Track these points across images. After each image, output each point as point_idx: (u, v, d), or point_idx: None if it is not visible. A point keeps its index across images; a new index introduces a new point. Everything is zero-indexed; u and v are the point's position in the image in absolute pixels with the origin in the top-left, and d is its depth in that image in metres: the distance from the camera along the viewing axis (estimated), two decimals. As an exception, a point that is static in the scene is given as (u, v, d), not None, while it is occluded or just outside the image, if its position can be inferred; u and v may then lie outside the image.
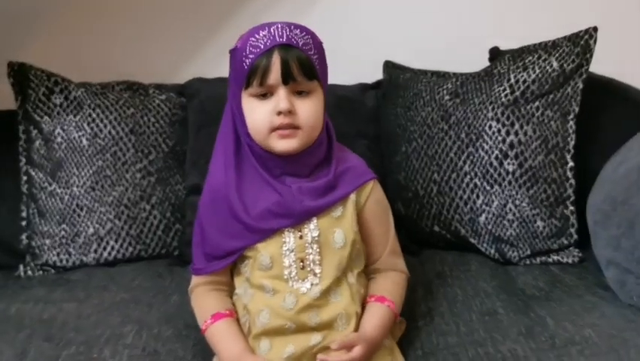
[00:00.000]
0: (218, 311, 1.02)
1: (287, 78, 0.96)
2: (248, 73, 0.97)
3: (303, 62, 0.97)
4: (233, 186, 1.02)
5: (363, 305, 1.03)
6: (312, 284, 0.99)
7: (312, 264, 0.99)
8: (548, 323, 1.05)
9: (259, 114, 0.98)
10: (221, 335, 1.00)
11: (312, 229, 1.00)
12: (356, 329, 0.99)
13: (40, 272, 1.42)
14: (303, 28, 0.99)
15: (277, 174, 1.01)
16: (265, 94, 0.98)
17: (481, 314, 1.11)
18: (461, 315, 1.11)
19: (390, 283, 1.06)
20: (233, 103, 1.03)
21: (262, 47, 0.96)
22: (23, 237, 1.45)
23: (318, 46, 1.00)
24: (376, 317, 1.01)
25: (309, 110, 0.99)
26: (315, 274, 0.99)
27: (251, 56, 0.96)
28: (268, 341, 0.98)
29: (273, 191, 1.00)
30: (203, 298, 1.05)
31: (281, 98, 0.96)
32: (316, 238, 0.99)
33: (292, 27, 0.97)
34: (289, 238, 0.99)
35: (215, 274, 1.06)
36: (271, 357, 0.97)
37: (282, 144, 0.99)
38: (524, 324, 1.06)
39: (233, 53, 1.01)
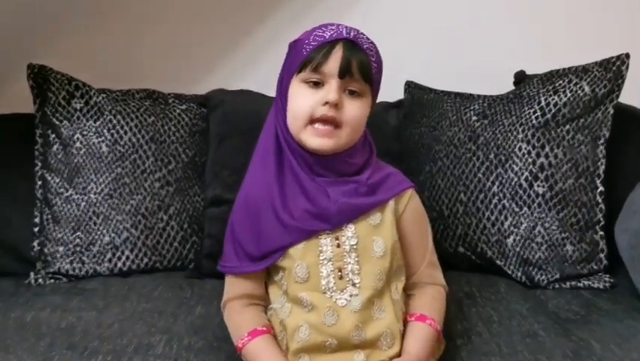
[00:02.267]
0: (255, 328, 0.98)
1: (344, 71, 0.95)
2: (306, 58, 0.96)
3: (363, 62, 0.96)
4: (271, 187, 0.99)
5: (404, 323, 1.00)
6: (351, 295, 0.95)
7: (350, 274, 0.96)
8: (594, 346, 1.03)
9: (304, 100, 0.97)
10: (259, 353, 0.96)
11: (349, 236, 0.97)
12: (400, 348, 0.96)
13: (52, 280, 1.37)
14: (369, 37, 0.99)
15: (315, 173, 0.99)
16: (317, 83, 0.96)
17: (521, 336, 1.08)
18: (501, 336, 1.09)
19: (430, 300, 1.03)
20: (279, 95, 1.01)
21: (327, 37, 0.96)
22: (35, 243, 1.40)
23: (379, 55, 1.01)
24: (419, 338, 0.98)
25: (356, 110, 0.97)
26: (354, 285, 0.96)
27: (313, 43, 0.96)
28: (308, 358, 0.94)
29: (310, 195, 0.98)
30: (238, 314, 1.01)
31: (332, 89, 0.95)
32: (354, 247, 0.97)
33: (360, 31, 0.98)
34: (326, 247, 0.96)
35: (249, 286, 1.02)
36: None
37: (316, 141, 0.97)
38: (568, 347, 1.04)
39: (294, 44, 1.01)
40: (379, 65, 1.01)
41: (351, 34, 0.97)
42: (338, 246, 0.97)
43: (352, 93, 0.97)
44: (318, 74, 0.96)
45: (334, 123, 0.96)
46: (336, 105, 0.95)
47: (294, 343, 0.95)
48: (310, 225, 0.97)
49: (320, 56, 0.95)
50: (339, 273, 0.96)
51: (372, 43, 1.00)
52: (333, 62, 0.95)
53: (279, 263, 0.98)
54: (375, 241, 0.98)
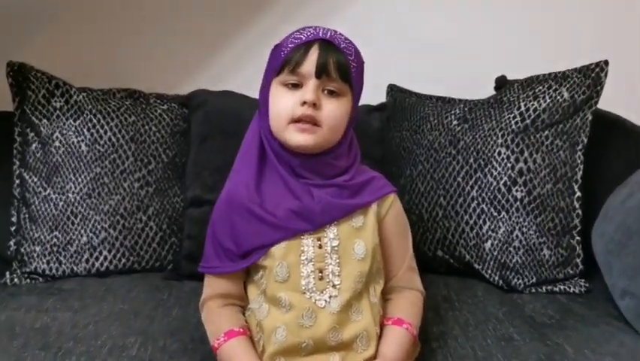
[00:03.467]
0: (232, 328, 0.98)
1: (321, 71, 0.95)
2: (283, 61, 0.96)
3: (340, 61, 0.97)
4: (253, 186, 0.99)
5: (381, 327, 1.00)
6: (330, 296, 0.95)
7: (331, 275, 0.96)
8: (567, 351, 1.04)
9: (284, 102, 0.97)
10: (234, 355, 0.96)
11: (331, 238, 0.97)
12: (376, 351, 0.96)
13: (28, 280, 1.35)
14: (347, 38, 1.00)
15: (298, 176, 0.99)
16: (295, 85, 0.97)
17: (496, 339, 1.09)
18: (476, 340, 1.09)
19: (408, 304, 1.04)
20: (261, 96, 1.02)
21: (304, 38, 0.97)
22: (11, 243, 1.39)
23: (358, 55, 1.01)
24: (395, 341, 0.98)
25: (334, 110, 0.98)
26: (334, 286, 0.96)
27: (290, 45, 0.97)
28: (284, 360, 0.94)
29: (295, 194, 0.98)
30: (216, 314, 1.01)
31: (309, 89, 0.96)
32: (336, 248, 0.97)
33: (338, 32, 0.99)
34: (308, 247, 0.97)
35: (227, 286, 1.02)
36: None
37: (298, 138, 0.97)
38: (542, 351, 1.04)
39: (274, 48, 1.01)
40: (359, 65, 1.01)
41: (328, 34, 0.98)
42: (320, 247, 0.97)
43: (331, 93, 0.98)
44: (295, 75, 0.96)
45: (313, 122, 0.96)
46: (315, 105, 0.96)
47: (270, 345, 0.94)
48: (293, 224, 0.97)
49: (297, 57, 0.96)
50: (320, 274, 0.96)
51: (350, 43, 1.00)
52: (310, 63, 0.96)
53: (260, 262, 0.98)
54: (357, 243, 0.98)
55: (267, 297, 0.97)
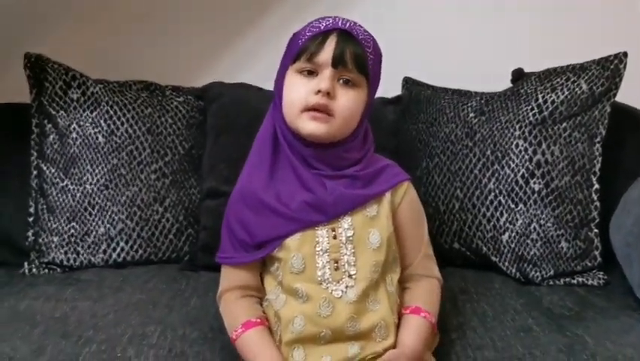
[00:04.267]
0: (249, 319, 0.98)
1: (337, 61, 0.95)
2: (300, 48, 0.96)
3: (357, 52, 0.96)
4: (266, 178, 1.00)
5: (400, 316, 1.00)
6: (347, 286, 0.95)
7: (346, 265, 0.96)
8: (588, 342, 1.04)
9: (298, 90, 0.97)
10: (252, 345, 0.96)
11: (345, 228, 0.97)
12: (394, 341, 0.96)
13: (46, 271, 1.36)
14: (366, 29, 1.00)
15: (311, 167, 0.99)
16: (311, 72, 0.97)
17: (515, 330, 1.08)
18: (495, 330, 1.09)
19: (425, 292, 1.03)
20: (276, 86, 1.02)
21: (322, 27, 0.97)
22: (29, 233, 1.40)
23: (377, 50, 1.01)
24: (414, 330, 0.98)
25: (349, 100, 0.97)
26: (350, 276, 0.96)
27: (308, 34, 0.97)
28: (302, 349, 0.94)
29: (307, 185, 0.98)
30: (233, 305, 1.01)
31: (324, 77, 0.95)
32: (350, 238, 0.97)
33: (358, 23, 0.99)
34: (322, 238, 0.97)
35: (244, 277, 1.02)
36: None
37: (311, 126, 0.96)
38: (562, 342, 1.04)
39: (293, 36, 1.01)
40: (377, 57, 1.01)
41: (347, 25, 0.98)
42: (334, 237, 0.97)
43: (347, 83, 0.97)
44: (311, 63, 0.96)
45: (327, 112, 0.96)
46: (329, 94, 0.95)
47: (288, 333, 0.95)
48: (306, 216, 0.97)
49: (314, 46, 0.96)
50: (336, 264, 0.96)
51: (369, 35, 0.99)
52: (327, 52, 0.95)
53: (274, 254, 0.98)
54: (372, 232, 0.98)
55: (283, 288, 0.97)
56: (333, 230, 0.97)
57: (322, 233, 0.97)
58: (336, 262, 0.96)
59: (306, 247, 0.96)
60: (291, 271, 0.96)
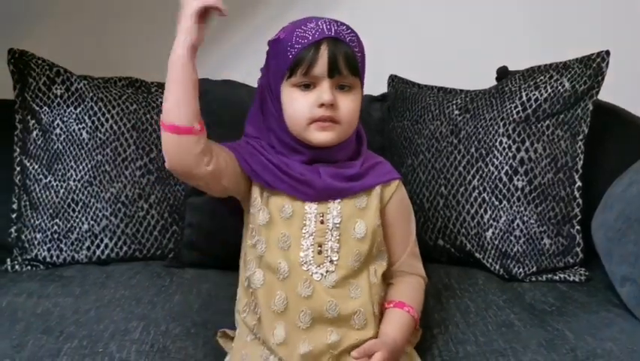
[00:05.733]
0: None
1: (333, 71, 0.96)
2: (293, 63, 0.96)
3: (349, 56, 0.97)
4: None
5: (382, 311, 1.01)
6: (327, 271, 0.97)
7: (329, 250, 0.98)
8: (568, 336, 1.05)
9: (300, 105, 0.97)
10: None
11: (334, 215, 0.98)
12: (375, 333, 0.97)
13: (29, 267, 1.35)
14: (348, 26, 0.99)
15: (306, 162, 1.00)
16: (308, 85, 0.97)
17: (497, 325, 1.09)
18: (477, 325, 1.10)
19: (409, 289, 1.04)
20: (268, 94, 1.01)
21: (310, 37, 0.96)
22: (12, 230, 1.39)
23: (361, 44, 1.01)
24: (396, 322, 0.99)
25: (350, 105, 0.99)
26: (331, 261, 0.97)
27: (297, 46, 0.96)
28: (283, 329, 0.95)
29: (303, 170, 1.00)
30: None
31: (324, 90, 0.96)
32: (337, 225, 0.98)
33: (339, 23, 0.99)
34: (310, 221, 0.98)
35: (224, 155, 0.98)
36: (285, 354, 0.94)
37: (321, 136, 0.98)
38: (543, 337, 1.05)
39: (275, 43, 1.00)
40: (363, 53, 1.01)
41: (333, 30, 0.97)
42: (322, 222, 0.98)
43: (343, 88, 0.98)
44: (308, 77, 0.97)
45: (333, 120, 0.98)
46: (332, 105, 0.96)
47: (268, 309, 0.95)
48: (298, 185, 0.98)
49: (307, 60, 0.95)
50: (319, 248, 0.97)
51: (352, 33, 1.00)
52: (321, 63, 0.96)
53: (261, 224, 0.98)
54: (358, 223, 0.99)
55: (262, 263, 0.98)
56: (322, 215, 0.98)
57: (310, 217, 0.98)
58: (320, 246, 0.97)
59: (293, 227, 0.98)
60: (277, 247, 0.97)
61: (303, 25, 0.97)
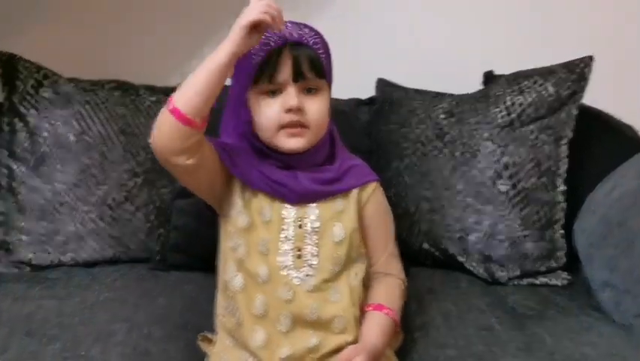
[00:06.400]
0: None
1: (297, 76, 0.96)
2: (257, 69, 0.96)
3: (313, 60, 0.97)
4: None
5: (362, 313, 1.01)
6: (306, 275, 0.98)
7: (309, 255, 0.98)
8: (546, 340, 1.06)
9: (267, 111, 0.98)
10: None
11: (312, 219, 0.99)
12: (355, 337, 0.97)
13: (15, 269, 1.35)
14: (311, 28, 1.00)
15: (282, 167, 1.01)
16: (274, 91, 0.98)
17: (477, 329, 1.10)
18: (457, 329, 1.11)
19: (388, 290, 1.05)
20: (236, 103, 1.01)
21: (272, 44, 0.96)
22: (-2, 232, 1.39)
23: (326, 45, 1.02)
24: (375, 325, 0.99)
25: (318, 108, 0.99)
26: (310, 265, 0.98)
27: (261, 54, 0.96)
28: (264, 332, 0.95)
29: (280, 175, 1.00)
30: None
31: (290, 95, 0.96)
32: (316, 229, 0.99)
33: (302, 26, 0.99)
34: (288, 226, 0.99)
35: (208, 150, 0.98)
36: (265, 357, 0.94)
37: (290, 143, 0.98)
38: (522, 340, 1.06)
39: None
40: (328, 53, 1.01)
41: (295, 34, 0.97)
42: (300, 227, 0.99)
43: (310, 91, 0.99)
44: (273, 84, 0.97)
45: (301, 125, 0.98)
46: (299, 109, 0.97)
47: (248, 313, 0.96)
48: (277, 186, 0.99)
49: (270, 66, 0.96)
50: (299, 252, 0.98)
51: (317, 36, 1.00)
52: (286, 70, 0.96)
53: (241, 227, 0.98)
54: (336, 226, 1.00)
55: (242, 267, 0.98)
56: (300, 220, 0.99)
57: (289, 221, 0.99)
58: (299, 250, 0.98)
59: (271, 232, 0.98)
60: (256, 251, 0.98)
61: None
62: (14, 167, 1.39)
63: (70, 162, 1.38)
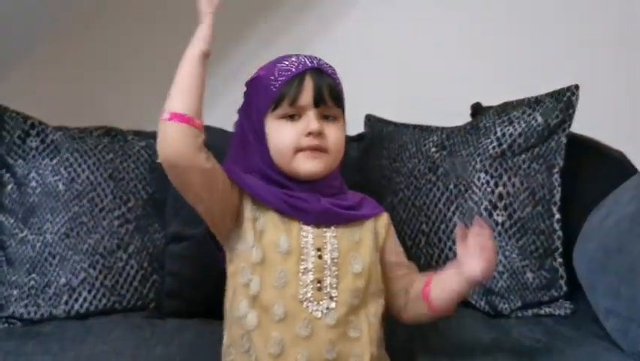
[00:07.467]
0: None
1: (319, 100, 0.98)
2: (278, 94, 0.97)
3: (332, 87, 1.00)
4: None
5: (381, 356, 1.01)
6: (327, 308, 0.95)
7: (329, 287, 0.96)
8: (558, 374, 1.04)
9: (286, 135, 0.98)
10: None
11: (331, 250, 0.98)
12: None
13: (6, 325, 1.32)
14: (327, 62, 1.03)
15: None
16: (293, 116, 0.99)
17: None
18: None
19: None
20: (251, 132, 1.02)
21: (294, 70, 0.98)
22: (-13, 287, 1.35)
23: (340, 80, 1.04)
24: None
25: (337, 134, 1.01)
26: (331, 298, 0.96)
27: (281, 79, 0.98)
28: None
29: (300, 195, 1.00)
30: None
31: (311, 119, 0.98)
32: (335, 260, 0.98)
33: (318, 58, 1.02)
34: (308, 257, 0.97)
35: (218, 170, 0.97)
36: None
37: (308, 165, 0.99)
38: (533, 377, 1.04)
39: (255, 81, 1.02)
40: (342, 87, 1.05)
41: (315, 62, 1.01)
42: (320, 258, 0.97)
43: (327, 118, 1.01)
44: (294, 108, 0.99)
45: (320, 150, 0.99)
46: (319, 133, 0.98)
47: (264, 354, 0.93)
48: (295, 209, 0.98)
49: (293, 91, 0.98)
50: (319, 284, 0.96)
51: (332, 67, 1.04)
52: (307, 93, 0.98)
53: (255, 262, 0.96)
54: (354, 257, 1.00)
55: (256, 303, 0.95)
56: (319, 250, 0.97)
57: (308, 251, 0.97)
58: (319, 282, 0.96)
59: (290, 265, 0.96)
60: (273, 285, 0.95)
61: (283, 60, 1.00)
62: (3, 219, 1.37)
63: (59, 211, 1.36)
